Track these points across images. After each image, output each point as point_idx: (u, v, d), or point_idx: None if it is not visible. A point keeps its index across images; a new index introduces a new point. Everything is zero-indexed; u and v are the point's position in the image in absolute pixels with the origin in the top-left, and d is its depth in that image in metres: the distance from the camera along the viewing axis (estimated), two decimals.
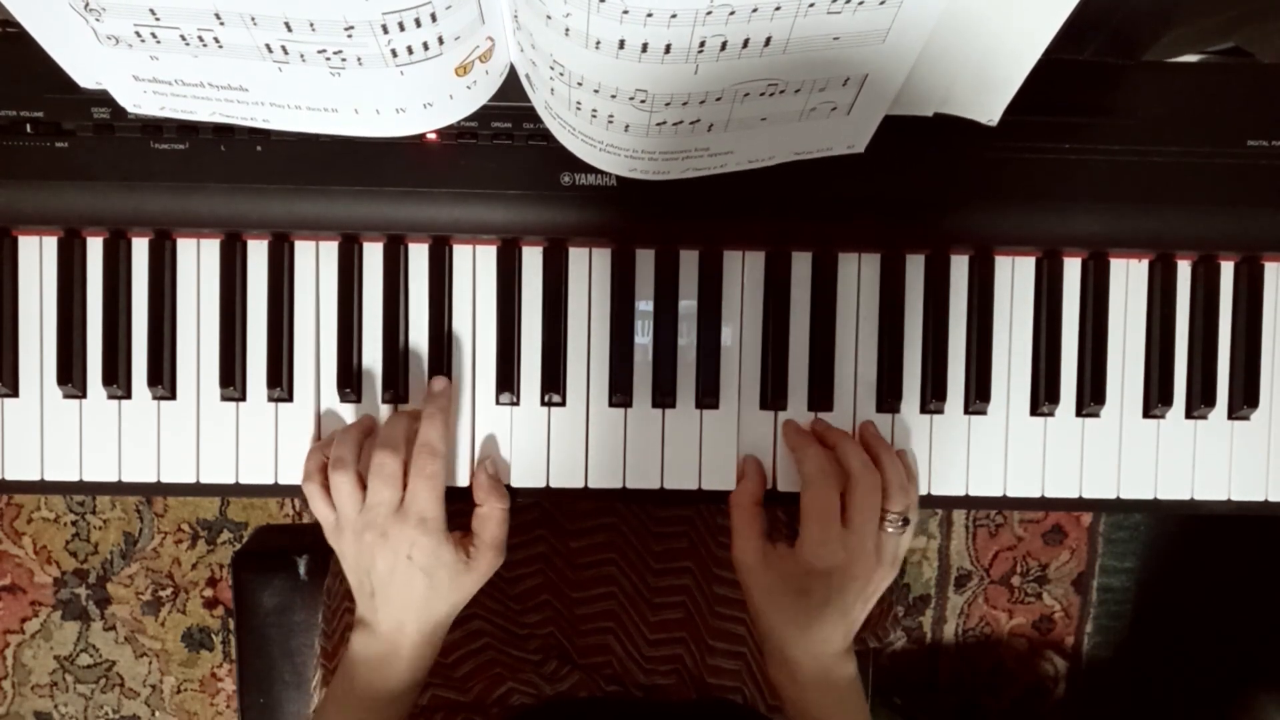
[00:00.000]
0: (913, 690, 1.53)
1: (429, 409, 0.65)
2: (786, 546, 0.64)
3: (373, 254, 0.68)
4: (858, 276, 0.69)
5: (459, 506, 0.66)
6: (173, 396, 0.67)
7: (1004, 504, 0.70)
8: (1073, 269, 0.69)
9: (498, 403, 0.68)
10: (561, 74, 0.54)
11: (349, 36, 0.52)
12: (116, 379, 0.67)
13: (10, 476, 0.67)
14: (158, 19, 0.52)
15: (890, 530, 0.64)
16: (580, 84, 0.54)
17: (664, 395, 0.68)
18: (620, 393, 0.68)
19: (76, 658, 1.52)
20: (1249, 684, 1.18)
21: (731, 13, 0.48)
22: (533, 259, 0.68)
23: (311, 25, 0.51)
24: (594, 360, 0.68)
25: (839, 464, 0.65)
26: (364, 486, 0.62)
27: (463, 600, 0.65)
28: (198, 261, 0.67)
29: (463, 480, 0.68)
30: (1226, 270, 0.70)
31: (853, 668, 0.66)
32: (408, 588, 0.62)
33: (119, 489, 0.68)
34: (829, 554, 0.62)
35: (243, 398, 0.68)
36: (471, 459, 0.68)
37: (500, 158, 0.63)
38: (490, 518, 0.65)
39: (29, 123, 0.62)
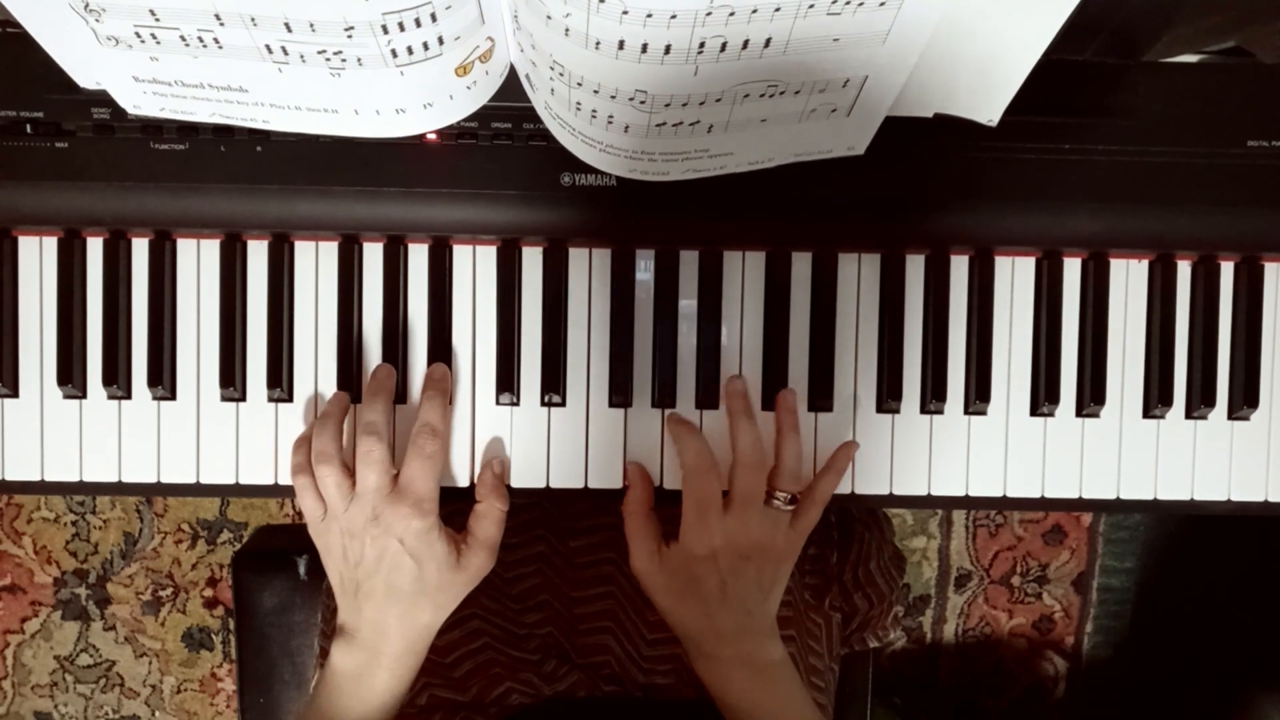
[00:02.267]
0: (913, 690, 1.53)
1: (429, 390, 0.64)
2: (676, 542, 0.64)
3: (373, 254, 0.68)
4: (858, 276, 0.69)
5: (457, 506, 0.66)
6: (173, 397, 0.67)
7: (1004, 504, 0.70)
8: (1073, 269, 0.69)
9: (498, 403, 0.68)
10: (561, 74, 0.54)
11: (349, 37, 0.52)
12: (116, 379, 0.67)
13: (10, 476, 0.68)
14: (158, 20, 0.52)
15: (777, 504, 0.63)
16: (580, 84, 0.54)
17: (664, 395, 0.68)
18: (620, 393, 0.68)
19: (76, 658, 1.52)
20: (1249, 684, 1.17)
21: (731, 14, 0.48)
22: (533, 259, 0.68)
23: (311, 26, 0.51)
24: (594, 360, 0.68)
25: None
26: (351, 475, 0.62)
27: (449, 604, 0.64)
28: (198, 261, 0.67)
29: (461, 481, 0.68)
30: (1226, 270, 0.70)
31: (777, 651, 0.65)
32: (395, 576, 0.61)
33: (119, 489, 0.68)
34: (707, 539, 0.62)
35: (243, 398, 0.68)
36: (471, 459, 0.68)
37: (500, 158, 0.63)
38: (487, 515, 0.65)
39: (29, 123, 0.62)
